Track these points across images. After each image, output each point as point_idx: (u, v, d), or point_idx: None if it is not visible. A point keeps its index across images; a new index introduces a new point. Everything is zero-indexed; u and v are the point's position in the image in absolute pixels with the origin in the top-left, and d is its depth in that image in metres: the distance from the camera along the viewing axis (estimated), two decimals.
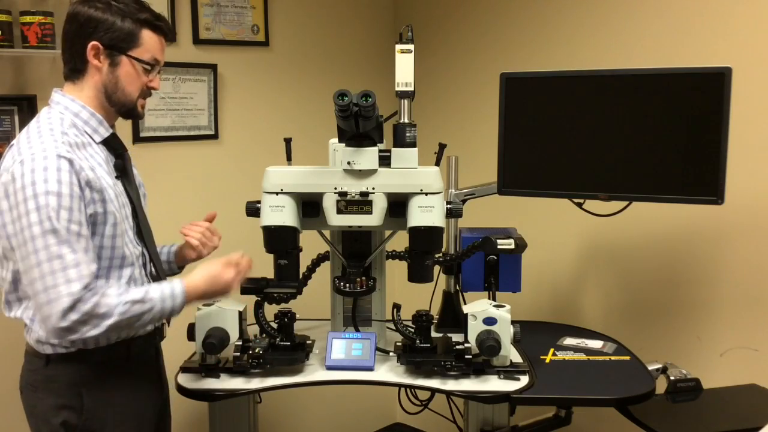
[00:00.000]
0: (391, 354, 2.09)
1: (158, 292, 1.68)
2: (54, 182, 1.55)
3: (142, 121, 2.67)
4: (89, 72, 1.71)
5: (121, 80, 1.72)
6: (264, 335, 2.07)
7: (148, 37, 1.72)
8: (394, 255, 2.17)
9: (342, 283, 2.06)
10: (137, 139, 2.67)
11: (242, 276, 1.85)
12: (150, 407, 1.86)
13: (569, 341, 2.30)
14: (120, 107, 1.76)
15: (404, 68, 1.99)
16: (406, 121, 2.02)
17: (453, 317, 2.37)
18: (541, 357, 2.16)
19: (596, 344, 2.28)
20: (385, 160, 1.97)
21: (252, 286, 2.12)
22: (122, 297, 1.62)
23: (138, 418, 1.81)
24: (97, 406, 1.73)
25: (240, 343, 2.01)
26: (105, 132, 1.75)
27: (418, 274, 2.03)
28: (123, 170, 1.79)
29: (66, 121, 1.69)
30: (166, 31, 1.78)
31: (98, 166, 1.69)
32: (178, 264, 2.07)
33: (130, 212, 1.78)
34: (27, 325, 1.71)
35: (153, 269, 1.85)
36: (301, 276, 2.12)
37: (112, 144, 1.78)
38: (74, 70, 1.73)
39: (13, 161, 1.59)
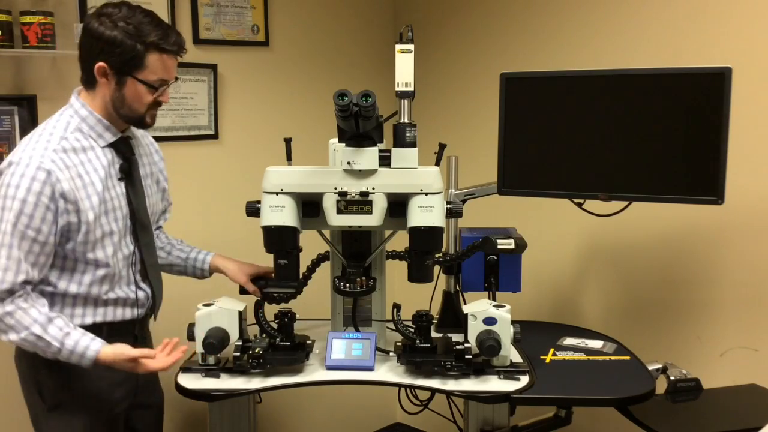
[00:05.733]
0: (391, 354, 2.09)
1: (72, 344, 1.73)
2: (23, 190, 1.69)
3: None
4: (99, 86, 1.81)
5: (127, 98, 1.81)
6: (264, 335, 2.07)
7: (154, 59, 1.78)
8: (394, 255, 2.17)
9: (342, 283, 2.06)
10: None
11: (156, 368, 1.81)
12: (115, 393, 1.94)
13: (569, 341, 2.30)
14: (127, 120, 1.86)
15: (404, 68, 1.99)
16: (406, 121, 2.01)
17: (453, 317, 2.37)
18: (541, 357, 2.16)
19: (596, 344, 2.28)
20: (385, 160, 1.97)
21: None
22: (33, 327, 1.72)
23: (100, 402, 1.91)
24: (56, 385, 1.87)
25: (240, 343, 2.01)
26: (111, 137, 1.86)
27: (418, 274, 2.03)
28: (128, 173, 1.90)
29: (72, 125, 1.81)
30: (176, 49, 1.83)
31: (93, 171, 1.81)
32: (211, 271, 2.20)
33: (124, 215, 1.89)
34: None
35: (142, 267, 1.96)
36: (301, 276, 2.12)
37: (120, 148, 1.89)
38: (87, 81, 1.83)
39: (9, 162, 1.74)
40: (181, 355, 1.84)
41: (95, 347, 1.75)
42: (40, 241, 1.72)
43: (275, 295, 2.14)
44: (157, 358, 1.80)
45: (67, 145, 1.78)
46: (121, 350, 1.78)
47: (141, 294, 1.96)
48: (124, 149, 1.90)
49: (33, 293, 1.76)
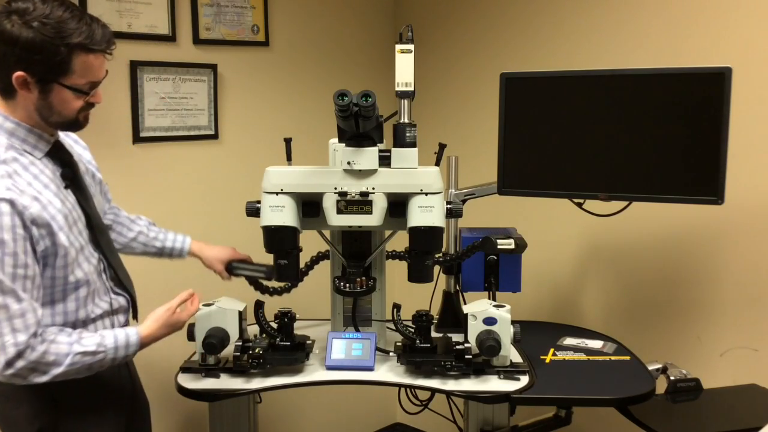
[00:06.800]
0: (391, 354, 2.09)
1: (112, 340, 1.68)
2: None
3: (142, 121, 2.67)
4: (20, 95, 1.61)
5: (55, 106, 1.62)
6: (264, 335, 2.07)
7: (81, 61, 1.59)
8: (394, 255, 2.17)
9: (342, 283, 2.06)
10: (137, 139, 2.67)
11: (193, 312, 1.92)
12: (119, 400, 1.88)
13: (569, 341, 2.30)
14: (58, 126, 1.69)
15: (404, 68, 1.99)
16: (406, 121, 2.02)
17: (453, 317, 2.37)
18: (541, 357, 2.16)
19: (596, 344, 2.28)
20: (385, 160, 1.97)
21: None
22: (73, 347, 1.62)
23: (108, 412, 1.84)
24: (72, 407, 1.75)
25: (240, 343, 2.01)
26: (45, 146, 1.68)
27: (418, 274, 2.03)
28: (72, 179, 1.73)
29: (2, 144, 1.61)
30: (105, 47, 1.63)
31: (44, 188, 1.63)
32: (191, 255, 2.19)
33: (84, 224, 1.74)
34: None
35: (113, 272, 1.83)
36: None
37: (57, 155, 1.72)
38: (4, 90, 1.62)
39: None
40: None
41: (132, 332, 1.72)
42: (31, 276, 1.56)
43: (271, 289, 2.15)
44: (191, 302, 1.89)
45: (8, 168, 1.57)
46: (155, 319, 1.78)
47: (122, 300, 1.86)
48: (61, 155, 1.72)
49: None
